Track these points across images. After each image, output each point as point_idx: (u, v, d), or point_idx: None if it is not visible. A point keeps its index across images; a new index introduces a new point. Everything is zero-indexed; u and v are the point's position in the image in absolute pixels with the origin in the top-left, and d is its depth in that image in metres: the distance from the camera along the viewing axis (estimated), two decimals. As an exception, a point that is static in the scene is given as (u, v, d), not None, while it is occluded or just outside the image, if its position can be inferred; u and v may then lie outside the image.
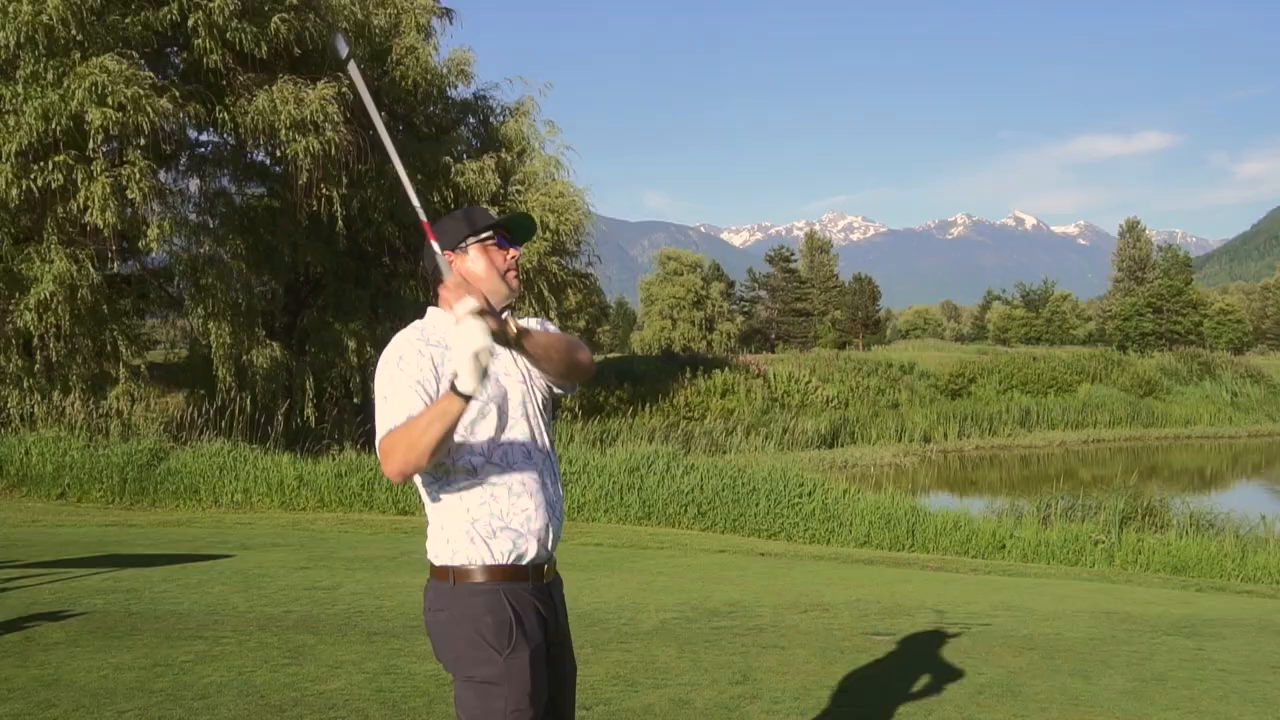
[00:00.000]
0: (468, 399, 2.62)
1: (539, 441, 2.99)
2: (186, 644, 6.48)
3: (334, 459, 18.12)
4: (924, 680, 5.86)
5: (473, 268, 2.97)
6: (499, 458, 2.88)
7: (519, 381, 3.01)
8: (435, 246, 2.89)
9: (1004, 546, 14.37)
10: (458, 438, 2.83)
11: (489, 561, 2.84)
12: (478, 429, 2.87)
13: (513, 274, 3.02)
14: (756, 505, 16.12)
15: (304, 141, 21.85)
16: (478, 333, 2.56)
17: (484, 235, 2.99)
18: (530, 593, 2.89)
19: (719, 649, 6.57)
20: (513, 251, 3.03)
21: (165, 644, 6.47)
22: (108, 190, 19.88)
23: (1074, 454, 38.74)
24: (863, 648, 6.64)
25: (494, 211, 21.09)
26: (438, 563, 2.87)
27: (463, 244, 2.98)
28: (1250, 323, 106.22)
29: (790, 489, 16.29)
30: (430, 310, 3.01)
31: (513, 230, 3.06)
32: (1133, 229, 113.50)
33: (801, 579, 10.09)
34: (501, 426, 2.91)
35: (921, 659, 6.34)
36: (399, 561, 10.48)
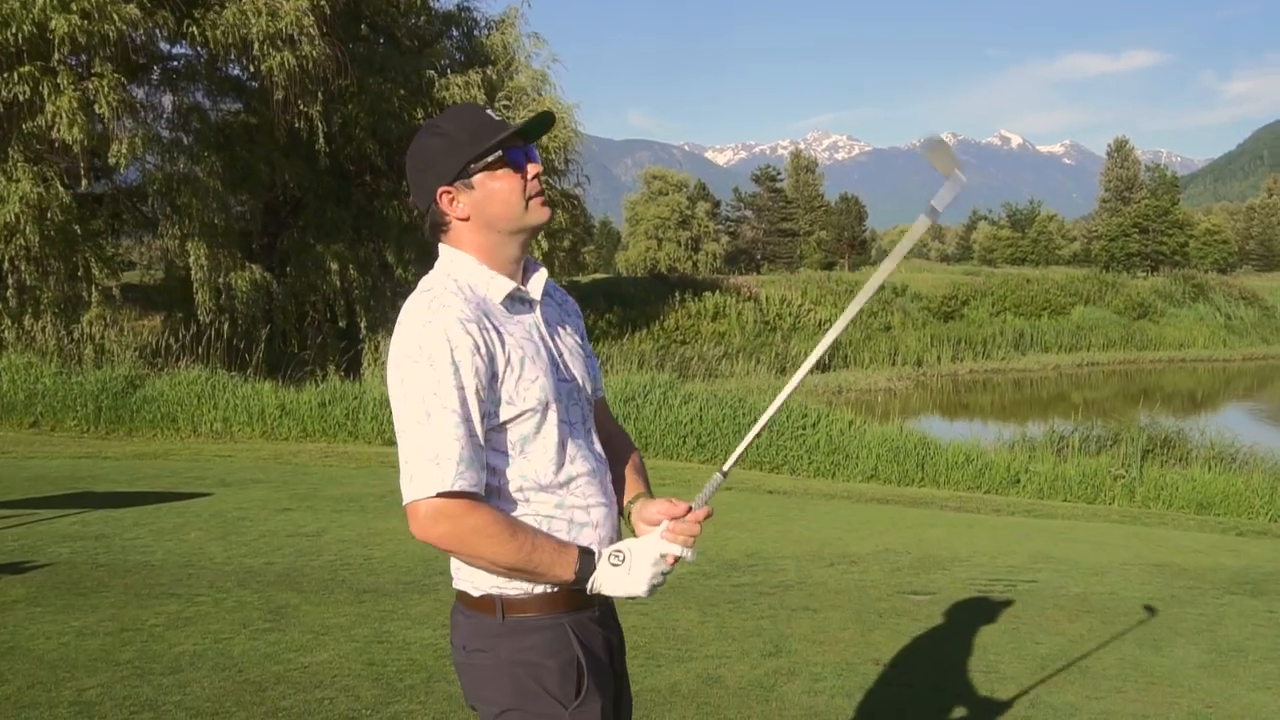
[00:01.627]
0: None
1: (596, 445, 2.30)
2: (158, 603, 5.89)
3: (317, 386, 17.46)
4: (977, 652, 5.29)
5: (488, 205, 2.15)
6: (559, 484, 2.18)
7: (581, 359, 2.32)
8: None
9: (1019, 481, 13.85)
10: (506, 455, 2.15)
11: (551, 588, 2.14)
12: (530, 451, 2.14)
13: (539, 200, 2.18)
14: (759, 437, 15.50)
15: (279, 56, 20.94)
16: (653, 579, 2.17)
17: (492, 156, 2.14)
18: (597, 621, 2.21)
19: (745, 612, 5.99)
20: (533, 167, 2.19)
21: (134, 603, 5.89)
22: (75, 104, 18.96)
23: (1068, 378, 38.40)
24: (902, 610, 6.07)
25: None
26: (476, 592, 2.15)
27: (465, 174, 2.14)
28: (1235, 243, 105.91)
29: (794, 420, 15.69)
30: (448, 254, 2.19)
31: (528, 136, 2.21)
32: (1121, 148, 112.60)
33: (819, 523, 9.53)
34: (562, 442, 2.17)
35: (970, 625, 5.77)
36: (388, 502, 9.88)
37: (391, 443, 15.56)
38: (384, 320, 24.98)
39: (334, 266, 24.26)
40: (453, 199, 2.15)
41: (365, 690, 4.57)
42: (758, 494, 11.81)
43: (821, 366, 35.22)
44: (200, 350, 18.89)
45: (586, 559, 2.11)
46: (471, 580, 2.15)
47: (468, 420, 2.02)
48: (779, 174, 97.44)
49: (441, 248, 2.21)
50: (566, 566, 2.08)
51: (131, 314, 25.13)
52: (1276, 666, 5.17)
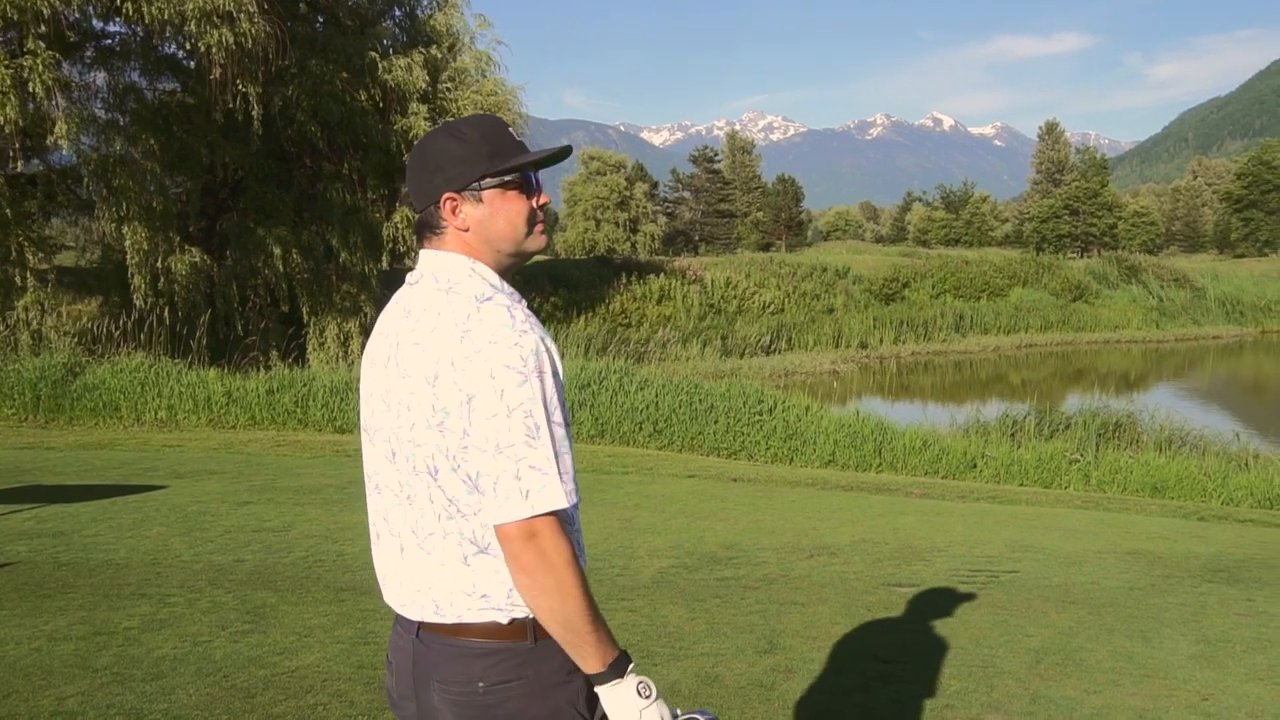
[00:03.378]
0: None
1: None
2: (129, 604, 5.72)
3: (263, 373, 17.14)
4: (971, 646, 5.29)
5: (492, 223, 2.08)
6: (576, 505, 2.10)
7: None
8: None
9: (975, 466, 13.98)
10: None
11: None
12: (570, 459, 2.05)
13: (540, 228, 2.15)
14: (715, 423, 15.51)
15: (216, 34, 20.43)
16: None
17: (509, 176, 2.09)
18: None
19: (733, 607, 5.94)
20: (543, 197, 2.15)
21: (105, 604, 5.71)
22: (8, 83, 18.41)
23: (1008, 359, 38.87)
24: (889, 603, 6.06)
25: (425, 111, 19.01)
26: (506, 618, 2.01)
27: (476, 185, 2.07)
28: (1162, 225, 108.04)
29: (749, 406, 15.70)
30: (465, 262, 2.08)
31: (542, 164, 2.15)
32: (1052, 131, 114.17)
33: (790, 512, 9.52)
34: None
35: (960, 618, 5.78)
36: (349, 493, 9.72)
37: (343, 431, 15.40)
38: (328, 305, 24.63)
39: (276, 250, 23.84)
40: (456, 207, 2.07)
41: (359, 695, 4.46)
42: (722, 482, 11.78)
43: (767, 350, 35.40)
44: (142, 337, 18.48)
45: (623, 660, 1.99)
46: (492, 602, 2.02)
47: (566, 441, 1.98)
48: (716, 155, 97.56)
49: (450, 255, 2.10)
50: (608, 649, 1.97)
51: (67, 297, 24.58)
52: (1264, 657, 5.22)
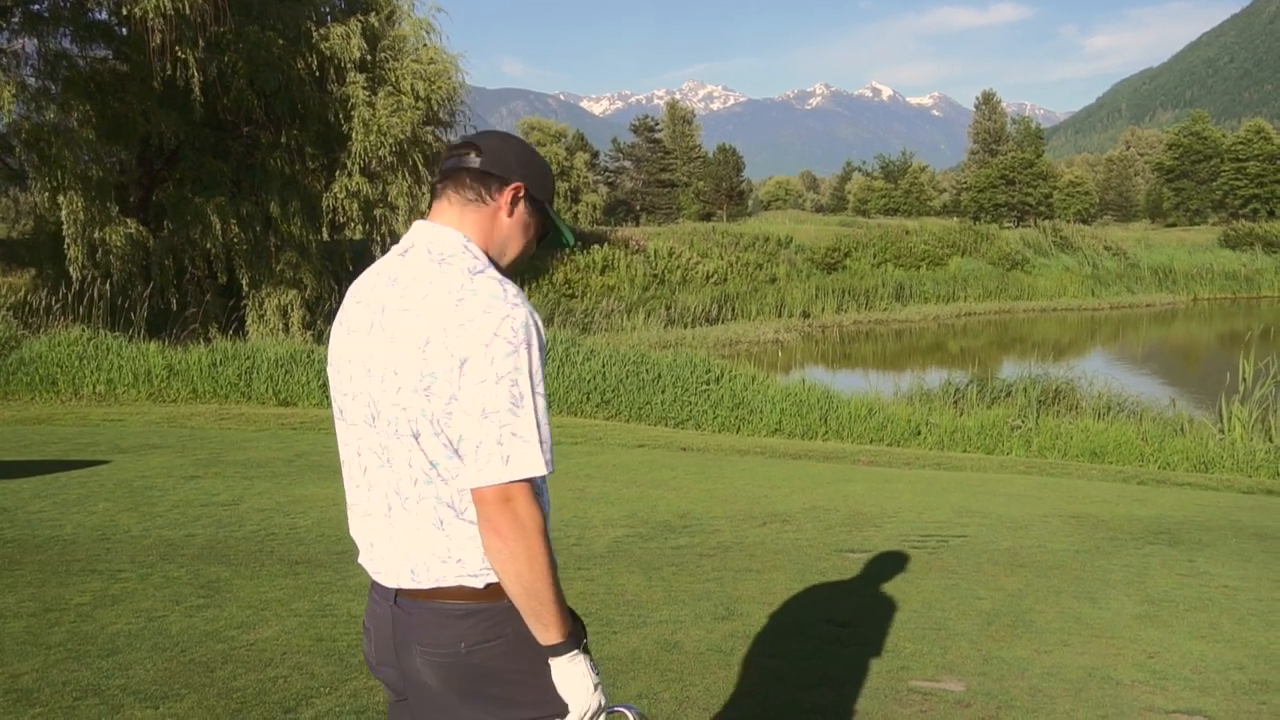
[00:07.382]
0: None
1: None
2: (79, 581, 5.65)
3: (204, 346, 16.90)
4: (924, 609, 5.39)
5: (514, 229, 2.24)
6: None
7: None
8: None
9: (919, 433, 14.18)
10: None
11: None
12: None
13: (533, 243, 2.34)
14: (662, 393, 15.59)
15: (153, -1, 20.01)
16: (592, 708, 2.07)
17: (542, 211, 2.29)
18: None
19: (689, 574, 6.00)
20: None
21: (54, 581, 5.64)
22: (-66, 49, 17.94)
23: (947, 328, 39.36)
24: (842, 569, 6.15)
25: (363, 80, 19.35)
26: (481, 581, 2.07)
27: (535, 200, 2.26)
28: (1095, 194, 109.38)
29: (696, 376, 15.79)
30: (461, 240, 2.15)
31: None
32: (989, 101, 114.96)
33: (741, 481, 9.60)
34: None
35: (913, 583, 5.88)
36: (298, 466, 9.66)
37: (287, 403, 15.24)
38: (268, 276, 24.31)
39: (214, 221, 23.44)
40: (514, 199, 2.20)
41: (318, 667, 4.45)
42: (672, 451, 11.86)
43: (711, 320, 35.55)
44: (80, 309, 18.15)
45: (580, 634, 2.07)
46: (478, 569, 2.07)
47: (546, 414, 2.04)
48: (657, 124, 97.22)
49: (447, 230, 2.16)
50: (567, 621, 2.04)
51: (-2, 269, 24.11)
52: (1206, 616, 5.37)
